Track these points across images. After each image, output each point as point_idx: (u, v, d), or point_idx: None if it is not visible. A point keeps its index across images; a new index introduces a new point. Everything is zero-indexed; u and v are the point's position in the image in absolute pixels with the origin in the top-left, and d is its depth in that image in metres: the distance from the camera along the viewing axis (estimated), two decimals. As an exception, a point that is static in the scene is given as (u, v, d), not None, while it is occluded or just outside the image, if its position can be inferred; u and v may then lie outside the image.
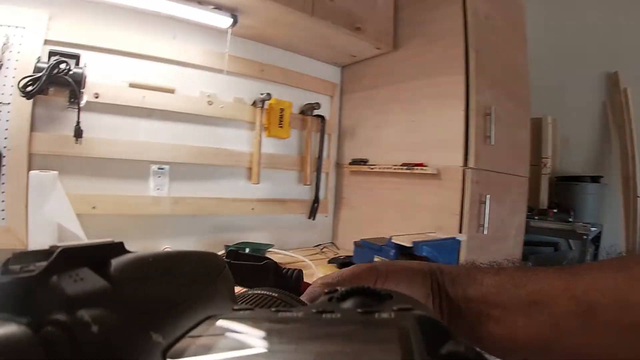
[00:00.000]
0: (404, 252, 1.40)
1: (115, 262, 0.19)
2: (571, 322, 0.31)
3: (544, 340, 0.32)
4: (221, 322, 0.21)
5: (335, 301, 0.23)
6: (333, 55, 2.09)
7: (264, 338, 0.18)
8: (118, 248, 0.21)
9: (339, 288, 0.23)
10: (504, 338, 0.34)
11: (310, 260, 1.65)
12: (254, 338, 0.18)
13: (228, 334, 0.19)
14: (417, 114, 1.80)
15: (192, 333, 0.20)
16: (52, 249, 0.18)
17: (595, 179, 2.97)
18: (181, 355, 0.18)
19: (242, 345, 0.18)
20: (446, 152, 1.66)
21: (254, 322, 0.20)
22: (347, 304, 0.22)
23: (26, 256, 0.19)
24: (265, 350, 0.17)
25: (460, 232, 1.59)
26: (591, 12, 3.23)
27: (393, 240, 1.42)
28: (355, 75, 2.18)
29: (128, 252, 0.21)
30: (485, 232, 1.63)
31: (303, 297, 0.38)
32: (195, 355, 0.18)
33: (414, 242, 1.36)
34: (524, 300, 0.34)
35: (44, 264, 0.17)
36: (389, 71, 1.97)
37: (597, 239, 2.88)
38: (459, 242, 1.50)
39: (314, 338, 0.18)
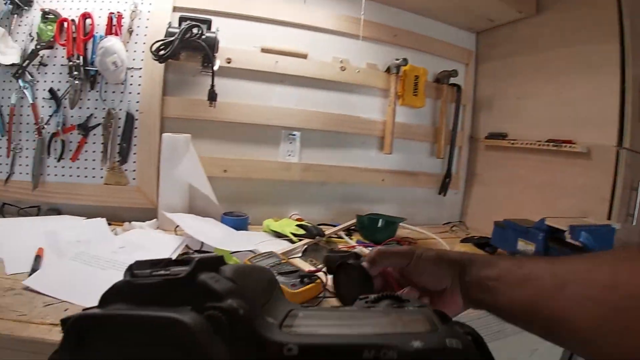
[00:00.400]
0: (555, 236, 1.29)
1: (225, 269, 0.30)
2: (549, 293, 0.44)
3: (531, 306, 0.46)
4: (303, 312, 0.32)
5: (371, 303, 0.38)
6: (469, 20, 2.00)
7: (338, 319, 0.31)
8: (222, 260, 0.31)
9: (369, 296, 0.41)
10: (507, 305, 0.49)
11: (441, 239, 1.60)
12: (332, 320, 0.30)
13: (314, 318, 0.31)
14: (565, 86, 1.68)
15: (288, 320, 0.30)
16: (187, 258, 0.29)
17: None
18: (292, 329, 0.27)
19: (327, 324, 0.30)
20: (598, 129, 1.54)
21: (324, 312, 0.33)
22: (382, 304, 0.37)
23: (146, 264, 0.29)
24: (342, 325, 0.29)
25: (608, 219, 1.47)
26: None
27: (547, 222, 1.31)
28: (492, 42, 2.08)
29: (226, 263, 0.31)
30: (634, 222, 1.50)
31: (367, 258, 0.59)
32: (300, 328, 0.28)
33: (571, 227, 1.25)
34: (520, 278, 0.49)
35: (184, 269, 0.28)
36: (531, 38, 1.85)
37: None
38: (614, 230, 1.37)
39: (369, 319, 0.30)
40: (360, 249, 1.39)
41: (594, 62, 1.58)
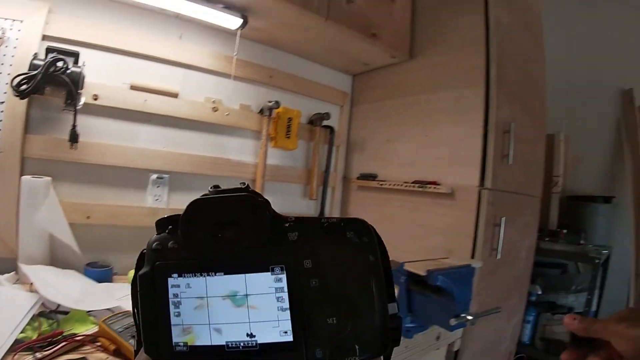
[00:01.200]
0: (415, 279, 1.39)
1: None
2: None
3: None
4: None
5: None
6: (345, 63, 2.16)
7: None
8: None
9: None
10: None
11: None
12: None
13: None
14: (432, 129, 1.88)
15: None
16: (242, 186, 0.42)
17: (607, 200, 3.14)
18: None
19: None
20: (461, 170, 1.73)
21: None
22: None
23: (219, 187, 0.43)
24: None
25: (472, 255, 1.66)
26: (607, 29, 3.44)
27: (405, 267, 1.41)
28: (368, 85, 2.26)
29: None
30: (499, 256, 1.70)
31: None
32: None
33: (428, 271, 1.36)
34: None
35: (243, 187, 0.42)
36: (404, 82, 2.05)
37: (605, 262, 3.00)
38: (474, 269, 1.52)
39: None
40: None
41: (460, 107, 1.80)
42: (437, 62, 1.94)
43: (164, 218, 0.43)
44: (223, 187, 0.43)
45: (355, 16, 1.81)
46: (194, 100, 1.78)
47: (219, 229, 0.40)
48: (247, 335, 0.39)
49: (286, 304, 0.40)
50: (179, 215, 0.41)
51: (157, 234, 0.44)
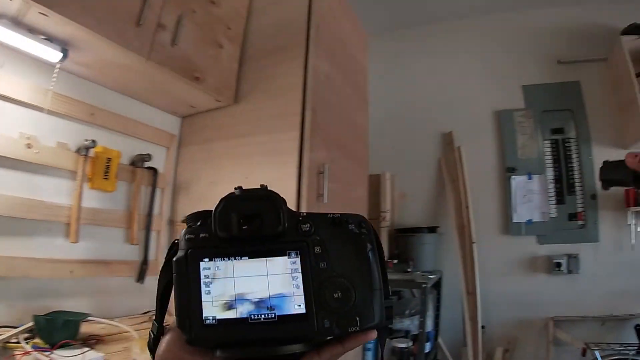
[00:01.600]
0: None
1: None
2: None
3: None
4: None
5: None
6: (171, 104, 2.19)
7: None
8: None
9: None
10: None
11: (137, 330, 1.63)
12: None
13: None
14: (253, 171, 1.96)
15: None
16: (262, 187, 0.52)
17: (432, 229, 3.55)
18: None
19: None
20: None
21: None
22: None
23: (242, 187, 0.52)
24: None
25: None
26: (428, 80, 4.01)
27: None
28: (195, 127, 2.30)
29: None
30: None
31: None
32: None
33: None
34: None
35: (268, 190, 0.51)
36: (228, 125, 2.13)
37: (437, 285, 3.41)
38: None
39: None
40: (35, 356, 1.33)
41: (276, 149, 1.91)
42: (259, 107, 2.05)
43: (195, 213, 0.53)
44: (247, 187, 0.52)
45: (179, 59, 1.85)
46: (7, 136, 1.63)
47: (245, 221, 0.49)
48: (267, 308, 0.47)
49: (300, 283, 0.48)
50: (209, 210, 0.50)
51: (187, 227, 0.52)
